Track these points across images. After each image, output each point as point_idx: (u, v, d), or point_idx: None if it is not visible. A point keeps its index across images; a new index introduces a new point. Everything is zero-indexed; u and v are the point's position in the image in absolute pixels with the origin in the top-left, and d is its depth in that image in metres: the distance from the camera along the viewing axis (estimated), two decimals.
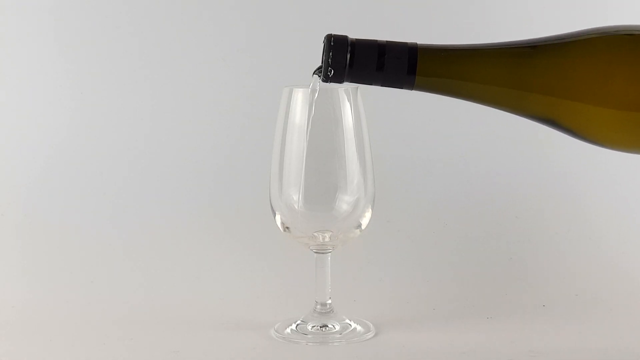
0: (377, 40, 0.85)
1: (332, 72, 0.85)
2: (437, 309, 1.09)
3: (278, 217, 1.00)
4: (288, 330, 1.02)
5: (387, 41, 0.85)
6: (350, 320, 1.03)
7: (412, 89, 0.86)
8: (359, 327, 1.02)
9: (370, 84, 0.86)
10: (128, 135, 1.31)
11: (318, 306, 1.02)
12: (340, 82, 0.86)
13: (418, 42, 0.86)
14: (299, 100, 0.98)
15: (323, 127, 0.98)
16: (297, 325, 1.02)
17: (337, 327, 1.01)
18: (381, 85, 0.86)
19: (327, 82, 0.86)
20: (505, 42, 0.87)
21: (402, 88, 0.86)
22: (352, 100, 0.98)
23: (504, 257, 1.21)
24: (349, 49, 0.84)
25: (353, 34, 0.86)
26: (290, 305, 1.08)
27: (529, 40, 0.87)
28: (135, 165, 1.30)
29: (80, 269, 1.19)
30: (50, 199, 1.28)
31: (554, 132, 0.89)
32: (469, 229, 1.26)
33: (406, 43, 0.85)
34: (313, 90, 0.93)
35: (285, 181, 0.99)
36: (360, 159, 0.99)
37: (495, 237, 1.24)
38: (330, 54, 0.84)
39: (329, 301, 1.02)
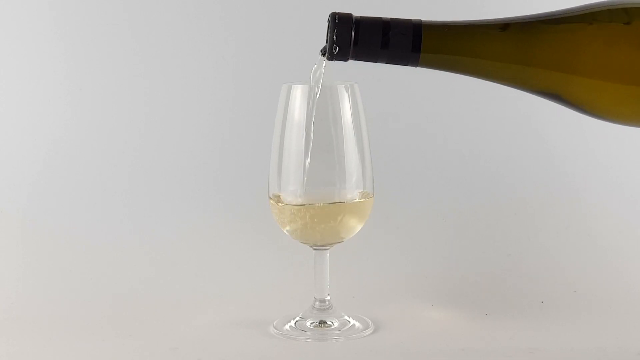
0: (381, 18, 0.85)
1: (337, 50, 0.85)
2: (435, 305, 1.09)
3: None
4: (287, 326, 1.02)
5: (391, 18, 0.85)
6: (349, 317, 1.03)
7: (417, 66, 0.86)
8: (357, 324, 1.02)
9: (376, 61, 0.86)
10: (126, 133, 1.31)
11: (317, 303, 1.02)
12: (345, 59, 0.85)
13: (423, 19, 0.85)
14: (298, 97, 0.98)
15: (322, 123, 0.98)
16: (296, 321, 1.02)
17: (336, 324, 1.01)
18: (386, 63, 0.86)
19: (332, 59, 0.85)
20: (509, 17, 0.86)
21: (407, 65, 0.86)
22: (351, 96, 0.98)
23: (502, 253, 1.21)
24: (354, 26, 0.84)
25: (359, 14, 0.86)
26: (289, 302, 1.08)
27: (534, 15, 0.87)
28: (133, 163, 1.30)
29: (79, 266, 1.19)
30: (48, 196, 1.28)
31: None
32: (468, 225, 1.26)
33: (411, 20, 0.85)
34: (318, 74, 0.93)
35: (284, 178, 0.99)
36: (359, 155, 0.99)
37: (494, 233, 1.24)
38: (335, 31, 0.84)
39: (328, 298, 1.02)
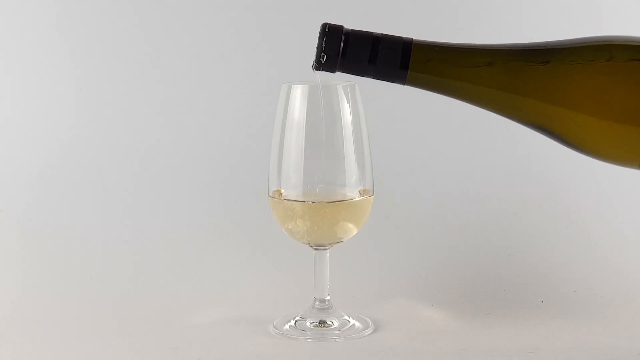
0: (372, 33, 0.85)
1: (325, 59, 0.84)
2: (435, 305, 1.09)
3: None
4: (287, 326, 1.02)
5: (382, 34, 0.85)
6: (349, 317, 1.03)
7: (404, 84, 0.86)
8: (357, 324, 1.02)
9: (363, 75, 0.86)
10: (126, 132, 1.31)
11: (317, 302, 1.02)
12: (332, 71, 0.85)
13: (414, 38, 0.85)
14: (298, 97, 0.98)
15: (321, 123, 0.98)
16: (296, 321, 1.02)
17: (336, 324, 1.01)
18: (373, 78, 0.86)
19: (319, 69, 0.85)
20: (502, 44, 0.86)
21: (394, 82, 0.86)
22: (351, 96, 0.98)
23: (502, 253, 1.21)
24: (343, 37, 0.84)
25: (351, 27, 0.86)
26: (289, 302, 1.08)
27: (525, 44, 0.86)
28: (133, 163, 1.30)
29: (79, 265, 1.19)
30: (49, 196, 1.28)
31: None
32: (468, 225, 1.26)
33: (402, 37, 0.85)
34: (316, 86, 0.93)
35: (284, 178, 0.99)
36: (358, 155, 0.99)
37: (493, 233, 1.24)
38: (324, 40, 0.84)
39: (328, 297, 1.02)
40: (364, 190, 1.00)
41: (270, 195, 0.99)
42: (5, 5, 1.31)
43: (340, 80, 0.99)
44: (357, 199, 0.99)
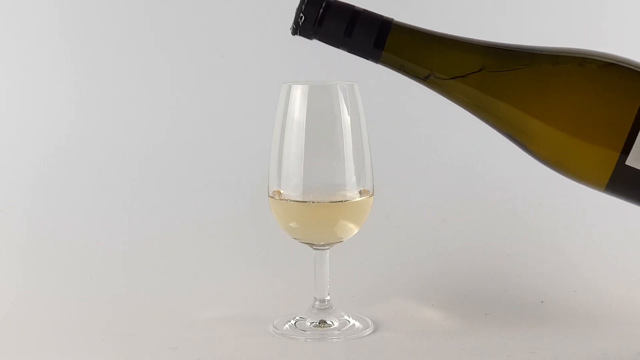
0: (354, 7, 0.84)
1: (302, 21, 0.83)
2: (435, 305, 1.09)
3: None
4: (287, 326, 1.02)
5: (363, 10, 0.84)
6: (349, 317, 1.03)
7: (377, 63, 0.85)
8: (357, 324, 1.02)
9: (338, 47, 0.85)
10: (126, 132, 1.31)
11: (317, 302, 1.02)
12: (309, 37, 0.84)
13: (394, 19, 0.84)
14: (298, 97, 0.98)
15: (321, 123, 0.98)
16: (296, 321, 1.02)
17: (336, 324, 1.01)
18: (348, 52, 0.85)
19: (296, 33, 0.84)
20: (485, 42, 0.85)
21: (368, 59, 0.85)
22: (350, 96, 0.98)
23: (502, 253, 1.21)
24: (324, 5, 0.83)
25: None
26: (289, 302, 1.08)
27: (506, 44, 0.86)
28: (133, 163, 1.30)
29: (79, 265, 1.19)
30: (49, 196, 1.28)
31: None
32: (468, 225, 1.26)
33: (382, 16, 0.84)
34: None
35: (284, 178, 0.99)
36: (358, 155, 0.99)
37: (493, 233, 1.24)
38: (305, 3, 0.83)
39: (328, 297, 1.02)
40: (364, 190, 1.00)
41: (270, 195, 0.99)
42: (5, 5, 1.32)
43: (340, 80, 0.99)
44: (357, 199, 0.99)
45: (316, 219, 0.99)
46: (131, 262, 1.20)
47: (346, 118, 0.98)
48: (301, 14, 0.83)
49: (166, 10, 1.32)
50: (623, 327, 1.02)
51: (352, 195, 0.99)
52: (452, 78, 0.84)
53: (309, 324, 1.02)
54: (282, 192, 0.99)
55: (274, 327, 1.01)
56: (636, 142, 0.81)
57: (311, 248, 1.01)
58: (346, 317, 1.03)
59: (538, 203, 1.28)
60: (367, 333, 1.01)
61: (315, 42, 0.87)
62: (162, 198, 1.28)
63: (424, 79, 0.85)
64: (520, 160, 1.31)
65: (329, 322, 1.02)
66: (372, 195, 1.00)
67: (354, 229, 1.00)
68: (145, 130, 1.31)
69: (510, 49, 0.85)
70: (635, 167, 0.82)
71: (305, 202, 0.97)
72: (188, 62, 1.32)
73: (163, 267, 1.19)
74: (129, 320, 1.04)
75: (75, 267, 1.18)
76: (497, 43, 0.86)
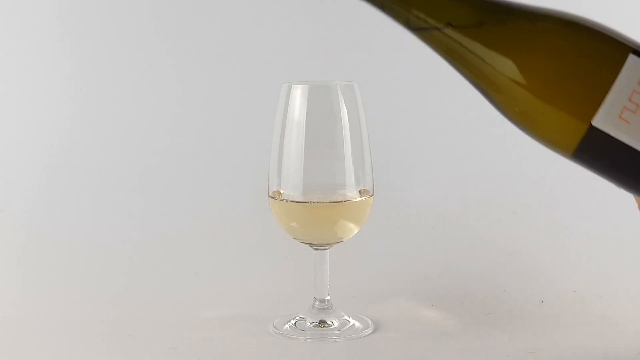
0: None
1: None
2: (435, 305, 1.09)
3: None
4: (287, 326, 1.02)
5: None
6: (349, 317, 1.03)
7: None
8: (357, 324, 1.02)
9: None
10: (126, 132, 1.31)
11: (317, 302, 1.02)
12: None
13: None
14: (298, 97, 0.98)
15: (321, 123, 0.98)
16: (296, 321, 1.02)
17: (336, 324, 1.01)
18: None
19: None
20: None
21: None
22: (350, 96, 0.98)
23: (502, 253, 1.21)
24: None
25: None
26: (289, 302, 1.08)
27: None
28: (133, 163, 1.30)
29: (79, 265, 1.19)
30: (49, 196, 1.28)
31: None
32: (468, 225, 1.26)
33: None
34: None
35: (284, 178, 0.99)
36: (358, 155, 0.99)
37: (493, 233, 1.24)
38: None
39: (328, 297, 1.02)
40: (364, 190, 1.00)
41: (270, 195, 0.99)
42: (5, 5, 1.32)
43: (340, 80, 0.99)
44: (357, 199, 0.99)
45: (316, 219, 0.99)
46: (131, 262, 1.20)
47: (346, 118, 0.98)
48: None
49: (166, 10, 1.32)
50: (623, 327, 1.02)
51: (352, 195, 0.99)
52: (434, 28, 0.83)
53: (309, 324, 1.02)
54: (282, 192, 0.99)
55: (274, 327, 1.01)
56: (606, 100, 0.80)
57: (311, 248, 1.01)
58: (346, 317, 1.03)
59: (538, 203, 1.28)
60: (367, 333, 1.01)
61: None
62: (161, 198, 1.28)
63: (407, 25, 0.84)
64: (520, 160, 1.32)
65: (329, 322, 1.02)
66: (372, 195, 1.00)
67: (354, 229, 1.00)
68: (145, 130, 1.31)
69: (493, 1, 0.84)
70: (603, 129, 0.82)
71: (306, 202, 0.97)
72: (188, 62, 1.32)
73: (163, 267, 1.19)
74: (129, 320, 1.04)
75: (75, 267, 1.18)
76: None
